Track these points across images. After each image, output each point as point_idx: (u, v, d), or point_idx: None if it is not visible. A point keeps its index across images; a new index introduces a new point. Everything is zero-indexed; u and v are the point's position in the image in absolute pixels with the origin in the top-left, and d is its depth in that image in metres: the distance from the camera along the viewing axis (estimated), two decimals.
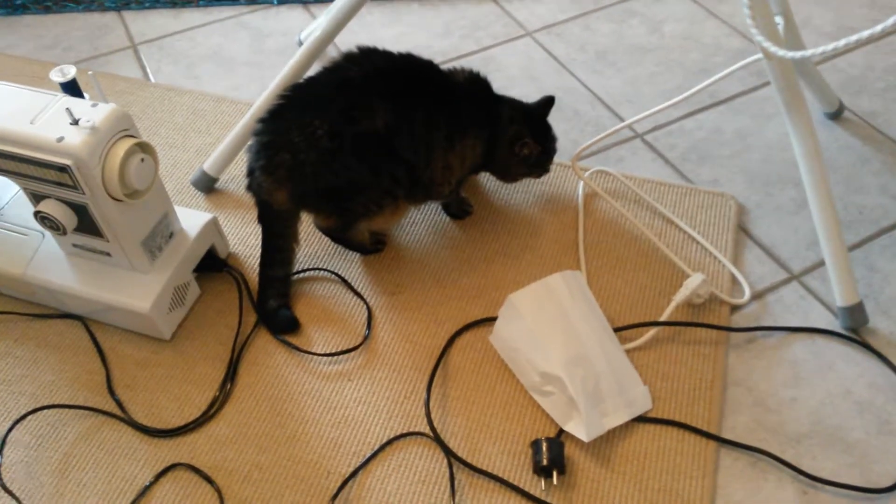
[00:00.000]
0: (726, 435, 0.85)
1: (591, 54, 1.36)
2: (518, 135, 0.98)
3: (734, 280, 0.99)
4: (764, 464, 0.83)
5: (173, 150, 1.20)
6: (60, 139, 0.79)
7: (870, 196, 1.09)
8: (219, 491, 0.82)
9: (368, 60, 0.92)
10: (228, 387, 0.91)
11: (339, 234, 1.02)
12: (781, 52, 0.73)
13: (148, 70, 1.37)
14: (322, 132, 0.87)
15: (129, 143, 0.81)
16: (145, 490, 0.83)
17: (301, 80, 0.94)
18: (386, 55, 0.94)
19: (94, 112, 0.81)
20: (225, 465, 0.84)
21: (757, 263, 1.02)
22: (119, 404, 0.90)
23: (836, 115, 1.20)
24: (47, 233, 0.96)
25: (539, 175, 1.06)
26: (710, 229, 1.05)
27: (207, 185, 1.13)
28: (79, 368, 0.93)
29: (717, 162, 1.16)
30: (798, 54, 0.71)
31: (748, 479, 0.82)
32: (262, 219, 0.94)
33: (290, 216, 0.95)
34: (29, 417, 0.89)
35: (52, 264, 0.95)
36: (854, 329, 0.94)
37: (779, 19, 0.93)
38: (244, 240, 1.07)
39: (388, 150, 0.90)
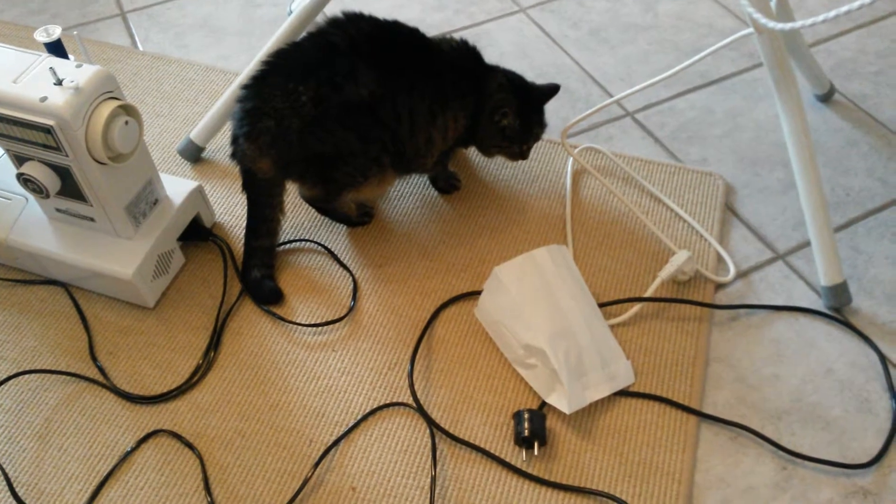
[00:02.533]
0: (707, 410, 0.86)
1: (584, 32, 1.35)
2: (501, 103, 0.96)
3: (720, 258, 1.00)
4: (744, 439, 0.84)
5: (160, 119, 1.19)
6: (44, 99, 0.78)
7: (857, 178, 1.09)
8: (200, 457, 0.82)
9: (354, 26, 0.90)
10: (212, 355, 0.91)
11: (325, 205, 1.02)
12: (772, 24, 0.73)
13: (136, 38, 1.35)
14: (307, 98, 0.86)
15: (113, 104, 0.80)
16: (127, 455, 0.83)
17: (285, 46, 0.92)
18: (372, 21, 0.92)
19: (78, 73, 0.80)
20: (207, 431, 0.84)
21: (743, 242, 1.02)
22: (101, 370, 0.89)
23: (827, 97, 1.20)
24: (31, 197, 0.95)
25: (514, 157, 1.02)
26: (697, 208, 1.05)
27: (194, 155, 1.12)
28: (61, 334, 0.93)
29: (706, 141, 1.15)
30: (788, 26, 0.71)
31: (728, 453, 0.83)
32: (247, 187, 0.94)
33: (274, 185, 0.94)
34: (10, 382, 0.88)
35: (35, 229, 0.94)
36: (837, 308, 0.94)
37: None
38: (230, 209, 1.06)
39: (373, 118, 0.89)
